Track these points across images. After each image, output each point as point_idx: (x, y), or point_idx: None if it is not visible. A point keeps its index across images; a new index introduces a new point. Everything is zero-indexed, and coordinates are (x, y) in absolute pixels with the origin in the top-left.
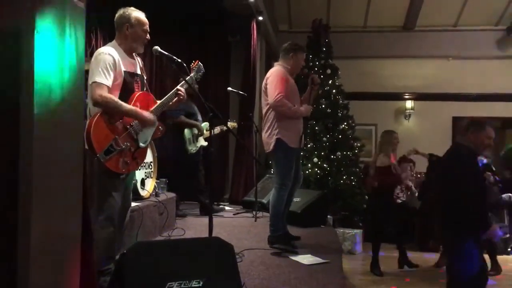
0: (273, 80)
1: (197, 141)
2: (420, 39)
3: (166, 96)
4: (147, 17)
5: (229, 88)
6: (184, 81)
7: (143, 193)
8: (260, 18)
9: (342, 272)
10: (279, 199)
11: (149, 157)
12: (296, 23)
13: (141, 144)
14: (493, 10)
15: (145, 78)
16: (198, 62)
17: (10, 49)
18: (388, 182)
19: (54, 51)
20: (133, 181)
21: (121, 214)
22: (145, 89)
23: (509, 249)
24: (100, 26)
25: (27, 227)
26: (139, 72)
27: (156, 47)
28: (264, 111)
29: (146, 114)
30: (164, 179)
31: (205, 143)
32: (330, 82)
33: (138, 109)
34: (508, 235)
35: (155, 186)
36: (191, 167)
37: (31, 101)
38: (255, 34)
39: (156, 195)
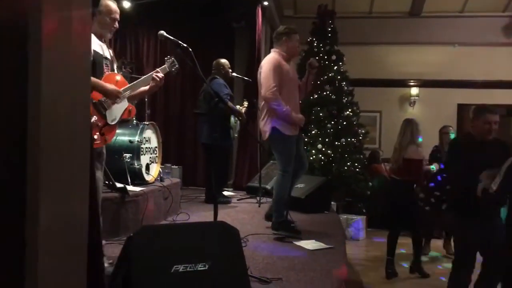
0: (266, 70)
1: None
2: (426, 26)
3: (139, 79)
4: (152, 4)
5: (234, 74)
6: (162, 67)
7: (148, 178)
8: (265, 3)
9: (345, 257)
10: (282, 186)
11: (154, 142)
12: (302, 8)
13: (109, 122)
14: None
15: (115, 64)
16: (170, 57)
17: (16, 37)
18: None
19: (61, 35)
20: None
21: None
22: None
23: None
24: None
25: (36, 213)
26: (108, 56)
27: (162, 31)
28: (260, 99)
29: (108, 85)
30: (169, 164)
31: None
32: (335, 68)
33: (99, 81)
34: None
35: (159, 171)
36: (229, 153)
37: (38, 85)
38: (260, 19)
39: (161, 180)
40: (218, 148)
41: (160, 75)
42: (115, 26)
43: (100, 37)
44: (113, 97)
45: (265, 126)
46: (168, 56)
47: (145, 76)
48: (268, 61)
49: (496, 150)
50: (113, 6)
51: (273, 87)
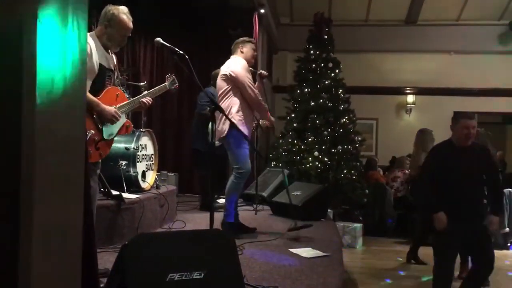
0: (242, 72)
1: None
2: (422, 34)
3: (135, 98)
4: (147, 10)
5: None
6: (149, 91)
7: (144, 185)
8: (262, 11)
9: (342, 265)
10: (235, 186)
11: (150, 149)
12: (298, 16)
13: (105, 137)
14: (496, 4)
15: (116, 75)
16: (171, 75)
17: (11, 39)
18: None
19: (56, 41)
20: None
21: None
22: (117, 85)
23: (508, 244)
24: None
25: (29, 219)
26: (112, 67)
27: (158, 38)
28: (220, 98)
29: (106, 107)
30: (165, 172)
31: None
32: (331, 75)
33: (98, 101)
34: (507, 230)
35: (156, 178)
36: (216, 160)
37: (33, 91)
38: (257, 27)
39: (157, 187)
40: (206, 154)
41: (149, 100)
42: (124, 42)
43: (107, 49)
44: (109, 118)
45: (223, 123)
46: (169, 74)
47: (143, 94)
48: (241, 65)
49: (475, 155)
50: (128, 23)
51: (254, 85)
